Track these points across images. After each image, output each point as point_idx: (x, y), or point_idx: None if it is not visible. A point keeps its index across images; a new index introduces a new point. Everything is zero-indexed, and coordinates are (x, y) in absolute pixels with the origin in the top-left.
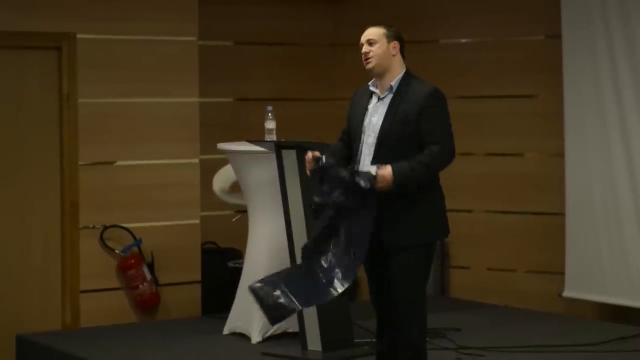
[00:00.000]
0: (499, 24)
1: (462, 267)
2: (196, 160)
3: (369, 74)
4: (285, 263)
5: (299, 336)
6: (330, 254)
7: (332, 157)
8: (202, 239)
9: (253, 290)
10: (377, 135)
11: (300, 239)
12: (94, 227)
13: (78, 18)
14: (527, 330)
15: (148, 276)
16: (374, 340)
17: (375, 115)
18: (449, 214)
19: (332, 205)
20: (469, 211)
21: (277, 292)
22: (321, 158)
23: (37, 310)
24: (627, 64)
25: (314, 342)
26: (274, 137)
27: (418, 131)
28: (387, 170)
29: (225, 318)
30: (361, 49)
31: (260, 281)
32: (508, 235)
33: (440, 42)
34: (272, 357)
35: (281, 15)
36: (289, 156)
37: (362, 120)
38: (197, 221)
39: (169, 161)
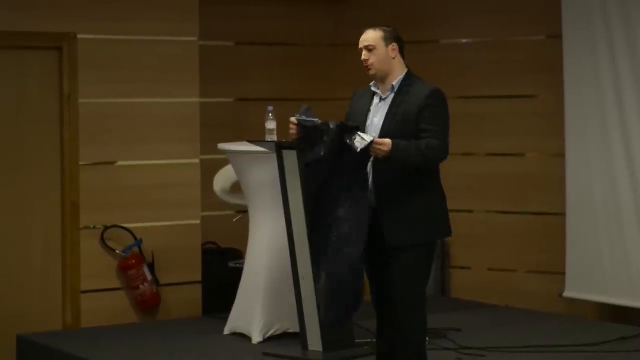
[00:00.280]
0: (499, 24)
1: (462, 267)
2: (197, 160)
3: (371, 78)
4: (286, 263)
5: (300, 336)
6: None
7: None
8: (203, 239)
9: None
10: (378, 135)
11: (301, 239)
12: (94, 227)
13: (78, 18)
14: (527, 330)
15: (148, 276)
16: (374, 340)
17: (376, 116)
18: (449, 214)
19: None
20: (470, 211)
21: None
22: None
23: (38, 310)
24: (628, 64)
25: (315, 342)
26: (274, 137)
27: (418, 130)
28: (386, 139)
29: (226, 318)
30: (360, 52)
31: None
32: (508, 235)
33: (441, 42)
34: (273, 357)
35: (282, 16)
36: (290, 156)
37: (364, 121)
38: (198, 221)
39: (169, 161)
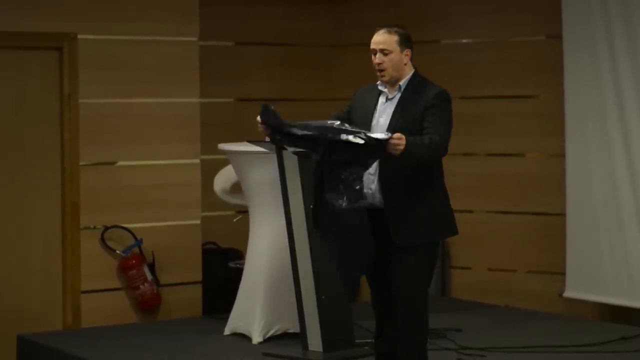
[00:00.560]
0: (500, 25)
1: (462, 268)
2: (197, 161)
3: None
4: (287, 263)
5: (300, 336)
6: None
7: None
8: (203, 239)
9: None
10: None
11: (301, 239)
12: (94, 227)
13: (79, 18)
14: (527, 331)
15: (149, 276)
16: (374, 340)
17: (383, 116)
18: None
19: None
20: (470, 211)
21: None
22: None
23: (38, 311)
24: (628, 65)
25: (315, 342)
26: None
27: (422, 128)
28: (402, 135)
29: (226, 318)
30: (372, 53)
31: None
32: (509, 235)
33: (442, 42)
34: (273, 358)
35: (282, 16)
36: (290, 157)
37: (370, 120)
38: (198, 221)
39: (169, 161)
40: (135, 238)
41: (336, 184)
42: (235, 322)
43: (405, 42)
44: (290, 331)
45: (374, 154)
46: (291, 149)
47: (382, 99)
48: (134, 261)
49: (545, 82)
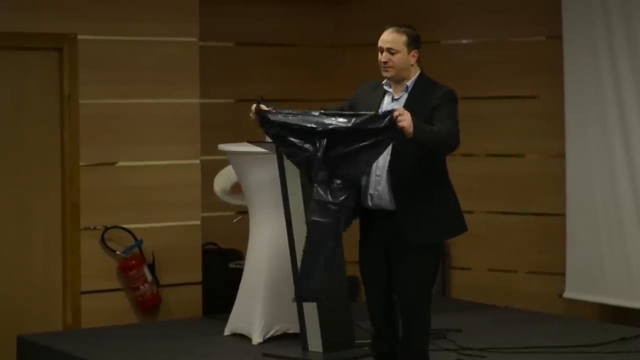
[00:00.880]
0: (500, 25)
1: (463, 268)
2: (197, 161)
3: (384, 76)
4: (287, 263)
5: (300, 337)
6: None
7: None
8: (203, 239)
9: None
10: None
11: (301, 239)
12: (94, 228)
13: (79, 19)
14: (528, 331)
15: (149, 277)
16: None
17: None
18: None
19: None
20: (470, 212)
21: None
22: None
23: (38, 311)
24: (628, 65)
25: (315, 343)
26: None
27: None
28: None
29: (226, 319)
30: (379, 50)
31: None
32: (509, 236)
33: (442, 43)
34: (273, 358)
35: (282, 17)
36: None
37: None
38: (198, 222)
39: (169, 162)
40: (135, 238)
41: (328, 182)
42: (235, 322)
43: (413, 42)
44: (290, 332)
45: (385, 134)
46: (283, 149)
47: (387, 99)
48: (134, 262)
49: (545, 83)
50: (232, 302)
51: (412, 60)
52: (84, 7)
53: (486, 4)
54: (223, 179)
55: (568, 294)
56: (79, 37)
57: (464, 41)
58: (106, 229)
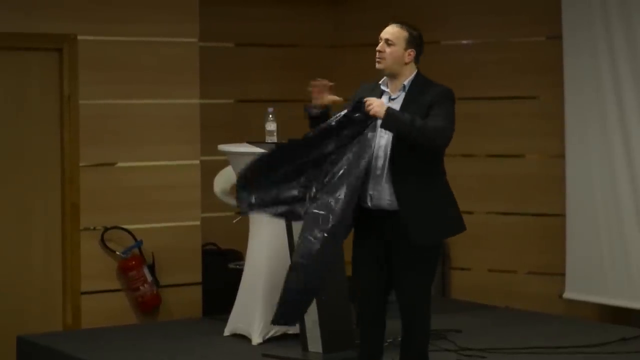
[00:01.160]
0: (500, 25)
1: (462, 269)
2: (197, 162)
3: (377, 67)
4: (286, 264)
5: (300, 337)
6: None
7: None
8: (203, 240)
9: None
10: (390, 135)
11: None
12: (94, 228)
13: (79, 19)
14: (527, 332)
15: (149, 277)
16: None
17: None
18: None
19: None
20: (470, 212)
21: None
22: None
23: (38, 312)
24: (628, 65)
25: (315, 343)
26: (274, 139)
27: None
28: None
29: (226, 319)
30: (379, 42)
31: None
32: (509, 236)
33: (442, 43)
34: (273, 359)
35: (282, 17)
36: None
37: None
38: (198, 222)
39: (169, 162)
40: (135, 239)
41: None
42: (235, 323)
43: (413, 42)
44: (290, 332)
45: (362, 126)
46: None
47: (385, 99)
48: (133, 262)
49: (545, 83)
50: (232, 303)
51: (407, 59)
52: (84, 8)
53: (486, 4)
54: (223, 180)
55: (568, 295)
56: (79, 37)
57: (464, 41)
58: (106, 229)
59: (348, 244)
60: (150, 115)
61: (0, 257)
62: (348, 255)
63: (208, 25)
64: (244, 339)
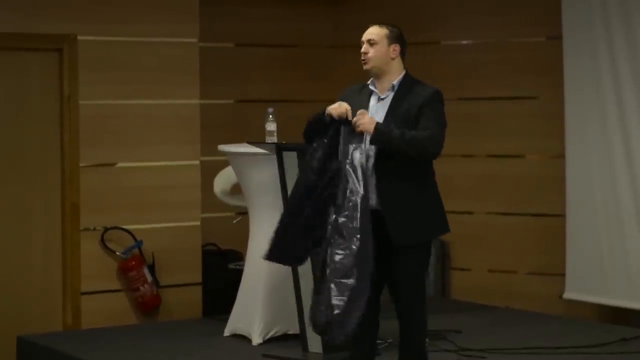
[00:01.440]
0: (500, 26)
1: (462, 269)
2: (197, 162)
3: (367, 74)
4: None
5: (300, 338)
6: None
7: None
8: (203, 240)
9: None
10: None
11: None
12: (94, 228)
13: (79, 20)
14: (527, 332)
15: (149, 278)
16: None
17: (376, 116)
18: (449, 216)
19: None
20: (470, 213)
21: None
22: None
23: (38, 312)
24: (628, 66)
25: (315, 343)
26: (274, 139)
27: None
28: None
29: (226, 320)
30: (362, 46)
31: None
32: (509, 236)
33: (442, 43)
34: (273, 359)
35: (282, 17)
36: (290, 158)
37: None
38: (198, 223)
39: (169, 163)
40: (135, 239)
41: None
42: (235, 323)
43: (394, 38)
44: (290, 332)
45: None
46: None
47: (373, 100)
48: (134, 262)
49: (545, 83)
50: (232, 303)
51: (393, 54)
52: (84, 8)
53: (486, 4)
54: (223, 180)
55: (568, 295)
56: (79, 37)
57: (464, 42)
58: (106, 229)
59: None
60: (150, 115)
61: (0, 257)
62: None
63: (208, 25)
64: (244, 339)
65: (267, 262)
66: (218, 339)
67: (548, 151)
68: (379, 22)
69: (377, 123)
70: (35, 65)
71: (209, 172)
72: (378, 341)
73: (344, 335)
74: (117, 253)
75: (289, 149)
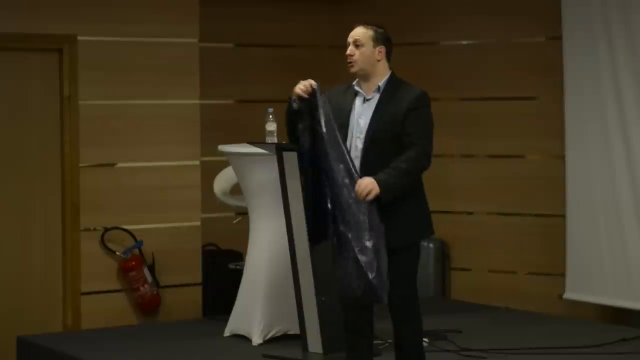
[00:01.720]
0: (500, 26)
1: (463, 269)
2: (197, 162)
3: (350, 72)
4: (286, 265)
5: (300, 338)
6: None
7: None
8: (203, 240)
9: None
10: (364, 136)
11: (301, 241)
12: (94, 229)
13: (79, 20)
14: (528, 332)
15: (149, 278)
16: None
17: (362, 117)
18: (450, 216)
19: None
20: (470, 213)
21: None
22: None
23: (38, 312)
24: (628, 66)
25: (315, 344)
26: (274, 139)
27: (403, 132)
28: (365, 180)
29: (226, 320)
30: (347, 47)
31: None
32: (509, 237)
33: (442, 43)
34: (273, 359)
35: (282, 18)
36: (290, 158)
37: (347, 122)
38: (198, 223)
39: (170, 163)
40: (135, 240)
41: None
42: (235, 323)
43: (380, 39)
44: (290, 333)
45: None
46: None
47: (358, 101)
48: (134, 263)
49: (545, 84)
50: (232, 303)
51: (378, 56)
52: (84, 8)
53: (486, 4)
54: (223, 180)
55: (568, 295)
56: (79, 38)
57: (464, 42)
58: (106, 230)
59: None
60: (150, 115)
61: (0, 257)
62: None
63: (208, 25)
64: (244, 339)
65: (267, 262)
66: (218, 339)
67: (548, 151)
68: (365, 22)
69: (378, 180)
70: (35, 65)
71: (209, 172)
72: (378, 342)
73: (385, 294)
74: (117, 253)
75: (289, 149)
